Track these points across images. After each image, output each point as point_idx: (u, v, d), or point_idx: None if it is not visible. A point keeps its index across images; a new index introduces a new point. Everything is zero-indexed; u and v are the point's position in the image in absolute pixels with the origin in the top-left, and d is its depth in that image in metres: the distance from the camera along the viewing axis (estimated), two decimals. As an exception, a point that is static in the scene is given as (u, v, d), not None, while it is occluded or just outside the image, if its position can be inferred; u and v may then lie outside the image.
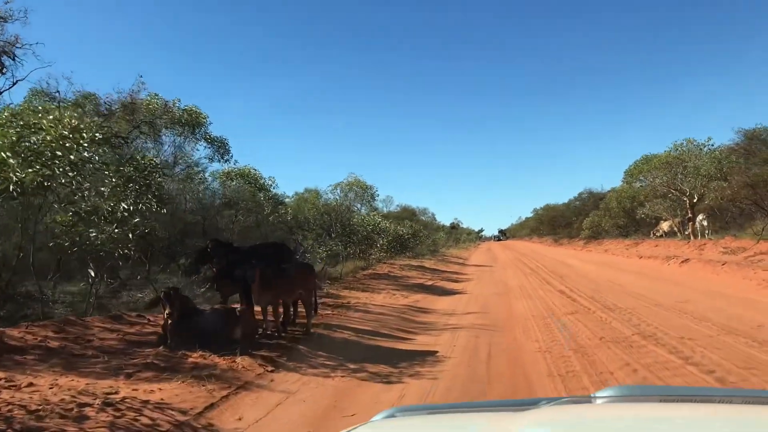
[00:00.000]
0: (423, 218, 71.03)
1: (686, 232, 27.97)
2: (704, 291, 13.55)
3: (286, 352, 7.70)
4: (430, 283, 20.19)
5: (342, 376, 6.90)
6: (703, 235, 26.03)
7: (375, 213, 24.32)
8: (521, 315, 11.97)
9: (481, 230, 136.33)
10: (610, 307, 11.97)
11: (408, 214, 58.79)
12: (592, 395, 1.90)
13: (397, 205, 58.81)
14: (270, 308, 9.10)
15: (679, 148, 26.83)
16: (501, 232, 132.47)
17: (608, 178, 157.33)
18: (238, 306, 8.40)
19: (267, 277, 8.39)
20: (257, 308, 8.91)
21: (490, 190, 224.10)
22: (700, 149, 26.16)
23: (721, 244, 20.84)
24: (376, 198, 34.68)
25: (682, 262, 19.30)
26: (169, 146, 20.10)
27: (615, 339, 8.59)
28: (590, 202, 55.48)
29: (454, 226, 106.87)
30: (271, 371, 6.87)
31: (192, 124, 19.29)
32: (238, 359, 6.96)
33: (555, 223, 69.22)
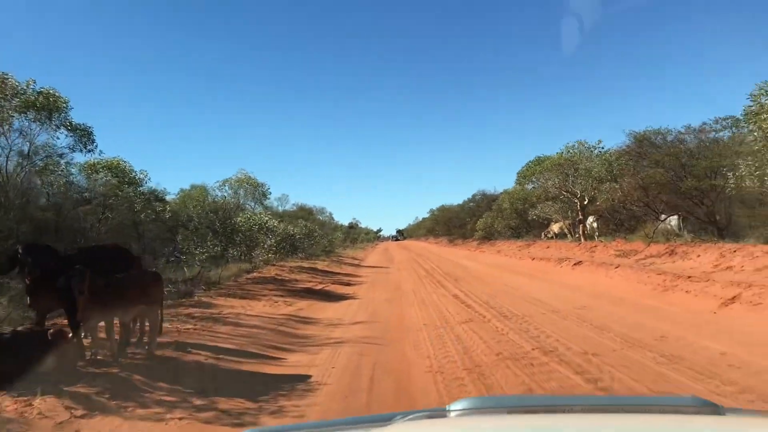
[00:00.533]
0: (320, 218, 69.54)
1: (576, 234, 28.33)
2: (600, 295, 13.09)
3: (113, 385, 5.97)
4: (319, 287, 18.77)
5: (180, 418, 5.34)
6: (593, 237, 26.42)
7: (262, 212, 22.53)
8: (413, 324, 10.85)
9: (380, 230, 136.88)
10: (507, 315, 11.12)
11: (304, 214, 57.02)
12: (447, 407, 1.89)
13: (294, 204, 56.87)
14: (104, 326, 7.29)
15: (571, 150, 27.12)
16: (398, 232, 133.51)
17: (502, 180, 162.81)
18: (56, 326, 6.59)
19: (97, 288, 6.64)
20: (102, 327, 7.13)
21: (389, 190, 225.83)
22: (591, 151, 26.56)
23: (612, 246, 20.96)
24: (269, 196, 32.85)
25: (575, 264, 19.11)
26: (21, 133, 17.48)
27: (514, 355, 7.59)
28: (484, 203, 56.25)
29: (353, 226, 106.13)
30: (82, 416, 5.14)
31: (49, 108, 16.74)
32: (37, 400, 5.19)
33: (450, 224, 69.99)
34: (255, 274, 20.25)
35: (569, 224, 32.98)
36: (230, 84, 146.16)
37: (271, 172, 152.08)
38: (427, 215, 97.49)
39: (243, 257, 19.02)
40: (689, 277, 11.98)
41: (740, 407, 4.44)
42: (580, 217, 27.09)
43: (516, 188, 42.23)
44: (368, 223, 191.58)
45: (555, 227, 34.39)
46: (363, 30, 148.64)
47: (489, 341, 8.62)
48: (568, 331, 9.01)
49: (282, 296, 15.35)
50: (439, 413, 1.92)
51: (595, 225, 26.82)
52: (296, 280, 20.06)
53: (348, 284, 20.63)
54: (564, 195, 28.13)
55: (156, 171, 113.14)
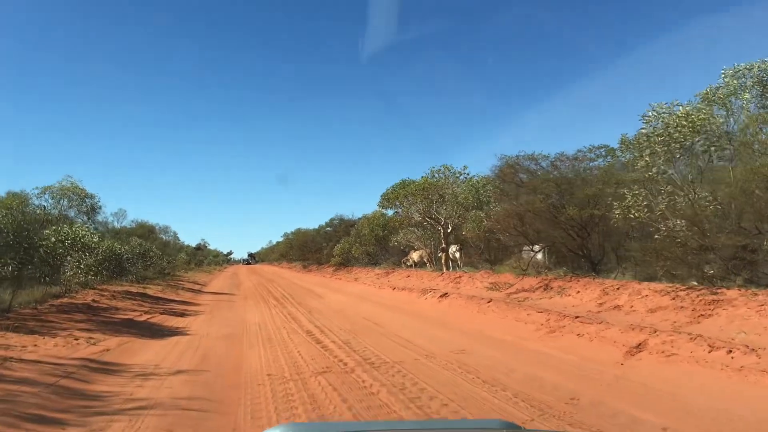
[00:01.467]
0: (164, 237, 64.12)
1: (438, 264, 27.17)
2: (477, 335, 11.40)
3: None
4: (143, 318, 15.46)
5: None
6: (456, 267, 25.39)
7: (80, 225, 18.64)
8: (254, 375, 8.31)
9: (230, 253, 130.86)
10: (373, 362, 8.97)
11: (144, 231, 51.83)
12: None
13: (132, 221, 51.56)
14: None
15: (436, 175, 26.06)
16: (250, 255, 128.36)
17: (360, 206, 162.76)
18: None
19: None
20: None
21: (242, 212, 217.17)
22: (457, 177, 25.68)
23: (477, 277, 19.80)
24: (100, 210, 28.50)
25: (441, 296, 17.57)
26: None
27: None
28: (341, 228, 54.58)
29: (200, 247, 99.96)
30: None
31: None
32: None
33: (305, 248, 67.47)
34: (65, 299, 16.45)
35: (429, 253, 32.02)
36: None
37: (111, 185, 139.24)
38: (281, 239, 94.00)
39: (45, 278, 15.19)
40: (577, 317, 10.62)
41: (542, 428, 4.79)
42: (443, 245, 25.98)
43: (376, 213, 40.95)
44: (218, 245, 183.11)
45: (415, 255, 33.25)
46: (211, 39, 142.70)
47: (356, 406, 6.36)
48: (455, 388, 7.02)
49: (89, 330, 12.02)
50: None
51: (457, 255, 25.81)
52: (116, 309, 16.52)
53: (182, 315, 17.43)
54: (428, 221, 26.92)
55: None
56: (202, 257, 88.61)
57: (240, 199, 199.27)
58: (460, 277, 21.62)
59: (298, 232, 77.58)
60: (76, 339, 10.78)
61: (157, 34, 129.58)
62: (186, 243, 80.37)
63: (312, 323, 14.59)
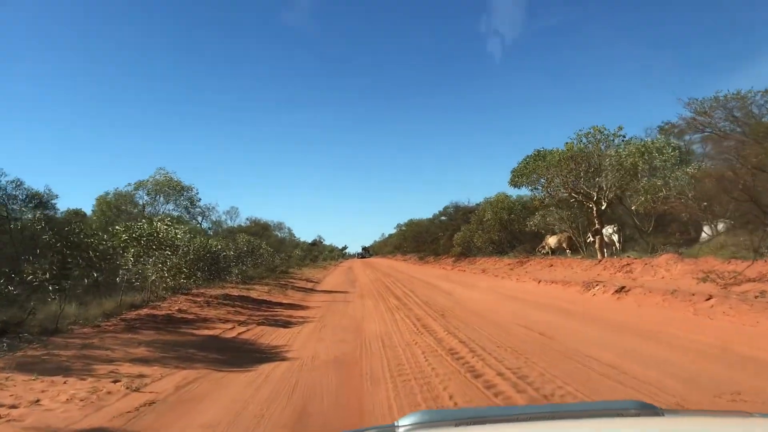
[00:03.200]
0: (278, 234, 62.99)
1: (590, 249, 22.20)
2: (731, 357, 6.92)
3: None
4: (233, 333, 12.13)
5: None
6: (614, 252, 20.47)
7: (162, 216, 15.83)
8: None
9: (345, 247, 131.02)
10: None
11: (258, 228, 50.57)
12: (395, 423, 1.89)
13: (247, 219, 50.47)
14: None
15: (584, 139, 21.13)
16: (364, 249, 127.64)
17: (475, 194, 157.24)
18: None
19: None
20: None
21: (355, 206, 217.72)
22: (611, 140, 20.68)
23: (661, 264, 14.90)
24: (198, 203, 26.26)
25: (617, 291, 12.98)
26: None
27: None
28: (458, 215, 50.29)
29: (316, 243, 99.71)
30: None
31: None
32: None
33: (419, 239, 63.95)
34: (146, 309, 13.57)
35: (569, 237, 27.03)
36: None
37: (226, 184, 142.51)
38: (394, 231, 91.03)
39: (96, 285, 12.10)
40: None
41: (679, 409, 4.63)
42: (597, 226, 21.02)
43: (500, 196, 36.33)
44: (333, 240, 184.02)
45: (552, 240, 28.36)
46: (326, 40, 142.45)
47: None
48: None
49: (145, 361, 8.68)
50: (388, 429, 1.91)
51: (615, 237, 20.76)
52: (204, 320, 13.38)
53: (285, 324, 14.02)
54: (575, 198, 22.00)
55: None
56: (318, 253, 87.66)
57: (352, 195, 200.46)
58: (629, 264, 16.73)
59: (411, 223, 74.33)
60: (116, 380, 7.36)
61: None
62: (302, 239, 79.73)
63: (452, 335, 10.58)
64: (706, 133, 13.93)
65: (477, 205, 47.01)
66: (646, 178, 17.40)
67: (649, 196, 16.85)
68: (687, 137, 19.24)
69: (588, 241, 22.28)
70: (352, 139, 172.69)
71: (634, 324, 9.93)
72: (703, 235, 16.46)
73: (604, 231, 20.87)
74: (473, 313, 13.71)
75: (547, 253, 28.87)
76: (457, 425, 1.86)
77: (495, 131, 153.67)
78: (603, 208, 20.71)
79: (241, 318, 14.46)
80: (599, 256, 20.60)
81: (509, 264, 28.39)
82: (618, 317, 10.79)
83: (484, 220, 35.97)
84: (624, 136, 20.23)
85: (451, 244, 43.25)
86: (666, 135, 19.67)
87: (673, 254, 15.19)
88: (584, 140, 20.82)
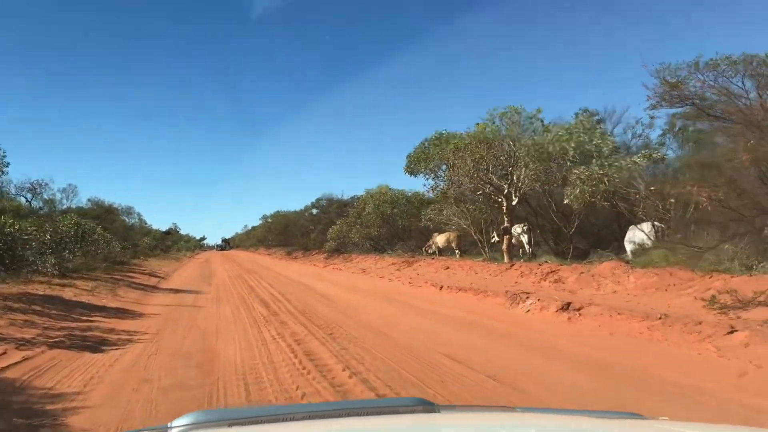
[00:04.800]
0: (127, 219, 55.93)
1: (494, 250, 19.28)
2: None
3: None
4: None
5: None
6: (527, 255, 17.74)
7: None
8: None
9: (203, 238, 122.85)
10: None
11: (101, 212, 43.62)
12: (168, 425, 1.80)
13: (89, 200, 43.31)
14: None
15: (497, 120, 18.09)
16: (224, 241, 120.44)
17: (351, 186, 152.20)
18: None
19: None
20: None
21: (217, 195, 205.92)
22: (531, 123, 17.89)
23: (605, 274, 12.09)
24: (4, 170, 20.35)
25: (563, 309, 9.82)
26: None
27: None
28: (333, 208, 46.58)
29: (170, 232, 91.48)
30: None
31: None
32: None
33: (287, 233, 59.50)
34: None
35: (458, 236, 24.28)
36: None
37: (65, 159, 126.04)
38: (259, 222, 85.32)
39: None
40: None
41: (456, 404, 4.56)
42: (506, 224, 18.13)
43: (382, 188, 33.03)
44: (191, 230, 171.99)
45: (440, 239, 25.47)
46: (188, 24, 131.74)
47: None
48: None
49: None
50: (161, 430, 1.84)
51: (524, 238, 18.00)
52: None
53: (97, 347, 9.34)
54: (482, 189, 18.86)
55: None
56: (172, 243, 79.92)
57: (213, 183, 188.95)
58: (554, 271, 13.88)
59: (279, 215, 69.45)
60: None
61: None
62: (154, 227, 72.02)
63: (356, 375, 6.80)
64: (685, 108, 11.37)
65: (353, 198, 43.70)
66: (583, 166, 14.73)
67: (587, 188, 14.13)
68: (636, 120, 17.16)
69: (493, 240, 19.47)
70: (218, 128, 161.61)
71: (631, 368, 6.69)
72: (636, 238, 14.03)
73: (515, 230, 18.11)
74: (372, 331, 9.99)
75: (434, 252, 26.01)
76: (230, 425, 1.80)
77: (384, 113, 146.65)
78: (514, 203, 17.89)
79: (31, 333, 9.61)
80: (507, 259, 17.80)
81: (394, 264, 25.09)
82: (590, 352, 7.52)
83: (364, 213, 32.54)
84: (542, 121, 17.61)
85: (323, 239, 39.43)
86: (591, 119, 17.31)
87: (618, 262, 12.52)
88: (497, 121, 17.92)
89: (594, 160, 14.94)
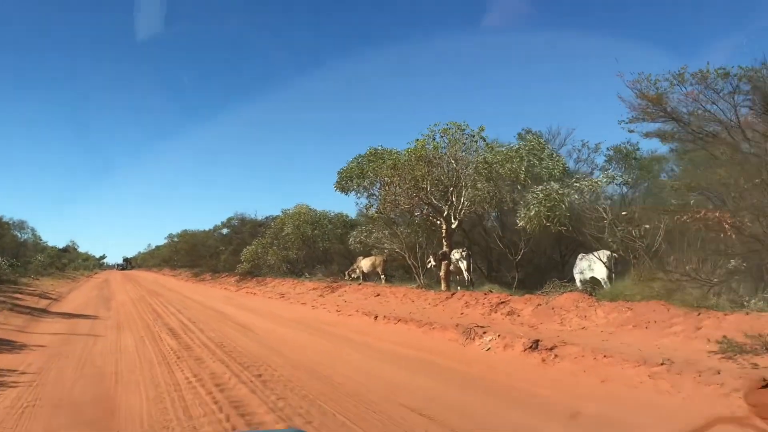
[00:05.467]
0: (19, 234, 50.87)
1: (440, 276, 17.97)
2: None
3: None
4: None
5: None
6: (464, 283, 16.68)
7: None
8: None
9: (103, 257, 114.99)
10: None
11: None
12: None
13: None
14: None
15: (438, 137, 16.89)
16: (126, 260, 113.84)
17: (265, 206, 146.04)
18: None
19: None
20: None
21: (119, 211, 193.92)
22: (474, 141, 16.83)
23: (567, 306, 11.10)
24: None
25: (531, 349, 8.69)
26: None
27: None
28: (246, 228, 44.17)
29: (68, 249, 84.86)
30: None
31: None
32: None
33: (195, 253, 56.02)
34: None
35: (383, 260, 23.06)
36: None
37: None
38: (164, 242, 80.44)
39: None
40: None
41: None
42: (444, 248, 16.99)
43: (302, 207, 31.31)
44: (90, 247, 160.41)
45: (364, 263, 24.11)
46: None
47: None
48: None
49: None
50: None
51: (463, 264, 16.93)
52: None
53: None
54: (420, 211, 17.56)
55: None
56: (68, 261, 73.86)
57: (115, 197, 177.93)
58: (504, 302, 12.81)
59: (185, 234, 65.36)
60: None
61: None
62: (51, 244, 66.11)
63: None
64: (666, 125, 10.60)
65: (268, 218, 41.60)
66: (541, 187, 13.79)
67: (543, 209, 13.15)
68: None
69: (429, 266, 18.32)
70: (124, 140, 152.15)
71: None
72: (592, 269, 13.25)
73: (454, 256, 17.01)
74: (308, 373, 8.43)
75: (359, 277, 24.61)
76: None
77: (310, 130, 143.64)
78: (453, 226, 16.82)
79: None
80: (444, 286, 16.67)
81: (315, 288, 23.43)
82: (595, 408, 6.28)
83: (282, 234, 30.68)
84: (485, 139, 16.69)
85: (235, 261, 37.01)
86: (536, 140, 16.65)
87: (581, 294, 11.55)
88: (437, 138, 16.82)
89: (546, 183, 14.19)
